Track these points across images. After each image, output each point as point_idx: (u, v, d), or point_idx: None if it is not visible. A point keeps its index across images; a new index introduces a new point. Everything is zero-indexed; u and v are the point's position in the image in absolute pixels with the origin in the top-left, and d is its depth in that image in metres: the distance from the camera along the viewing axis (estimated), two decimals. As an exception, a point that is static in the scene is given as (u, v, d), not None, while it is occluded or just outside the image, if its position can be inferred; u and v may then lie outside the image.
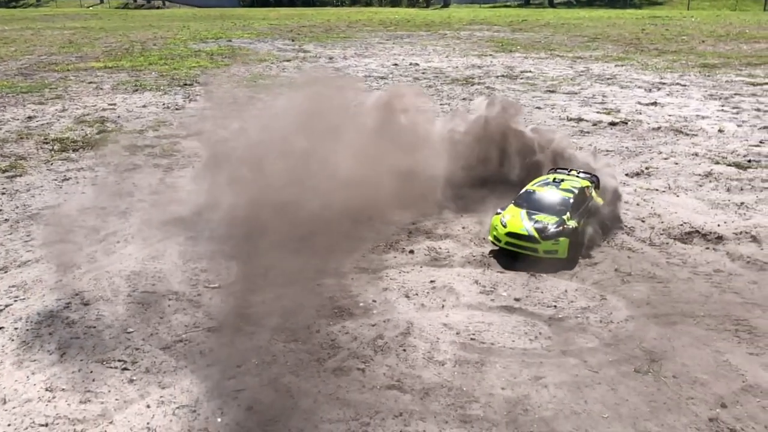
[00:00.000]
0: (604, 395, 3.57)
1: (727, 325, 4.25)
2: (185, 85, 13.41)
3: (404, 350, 4.04)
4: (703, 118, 10.23)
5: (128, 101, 11.72)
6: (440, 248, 5.53)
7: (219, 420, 3.44)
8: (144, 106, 11.30)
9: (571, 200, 5.30)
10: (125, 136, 9.25)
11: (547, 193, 5.43)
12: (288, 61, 17.12)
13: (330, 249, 5.49)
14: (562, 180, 5.61)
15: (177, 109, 11.17)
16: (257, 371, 3.84)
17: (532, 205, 5.34)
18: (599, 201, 5.68)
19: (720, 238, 5.62)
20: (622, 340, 4.09)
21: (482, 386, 3.68)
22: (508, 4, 46.90)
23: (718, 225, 5.89)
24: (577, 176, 5.79)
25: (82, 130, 9.64)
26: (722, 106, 11.05)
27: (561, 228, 5.07)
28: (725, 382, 3.66)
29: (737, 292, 4.67)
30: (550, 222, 5.11)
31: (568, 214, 5.19)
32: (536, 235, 5.05)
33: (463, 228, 5.97)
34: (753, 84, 13.10)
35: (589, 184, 5.66)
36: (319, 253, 5.42)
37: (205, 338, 4.20)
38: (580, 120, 10.19)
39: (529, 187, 5.62)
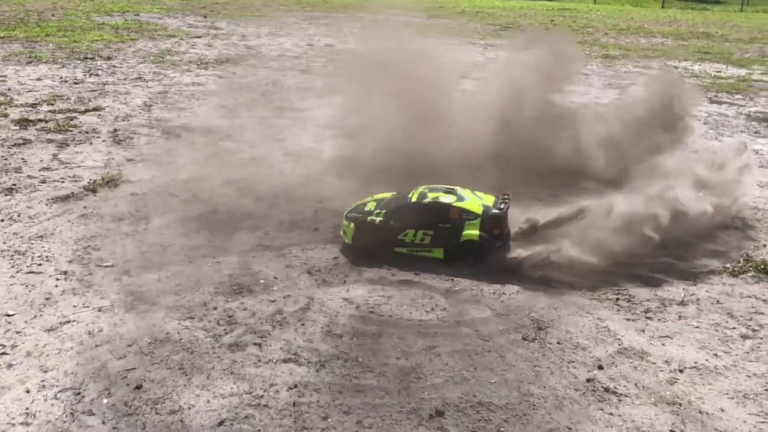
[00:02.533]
0: (492, 362, 3.72)
1: (609, 294, 4.53)
2: (86, 58, 12.72)
3: (303, 324, 4.05)
4: (601, 105, 10.73)
5: (21, 73, 10.99)
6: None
7: (105, 401, 3.32)
8: (38, 79, 10.63)
9: (395, 201, 5.10)
10: (15, 110, 8.69)
11: (398, 194, 5.24)
12: (198, 37, 16.56)
13: (232, 227, 5.41)
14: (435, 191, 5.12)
15: (76, 83, 10.59)
16: (149, 350, 3.74)
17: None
18: (471, 230, 4.87)
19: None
20: (512, 311, 4.28)
21: (378, 357, 3.74)
22: (426, -10, 47.21)
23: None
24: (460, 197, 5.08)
25: (-33, 102, 8.97)
26: (619, 94, 11.64)
27: (356, 215, 5.09)
28: (603, 346, 3.91)
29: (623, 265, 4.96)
30: (359, 210, 5.14)
31: (378, 209, 5.06)
32: (345, 214, 5.20)
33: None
34: (648, 74, 13.86)
35: (456, 206, 4.97)
36: (220, 230, 5.33)
37: (95, 318, 4.04)
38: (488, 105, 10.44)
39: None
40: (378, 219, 4.98)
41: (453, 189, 5.11)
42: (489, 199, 5.09)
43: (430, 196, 5.02)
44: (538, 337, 3.96)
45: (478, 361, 3.72)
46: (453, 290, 4.53)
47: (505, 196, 5.16)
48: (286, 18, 22.57)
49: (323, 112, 9.49)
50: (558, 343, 3.92)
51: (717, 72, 14.33)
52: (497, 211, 4.92)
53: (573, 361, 3.74)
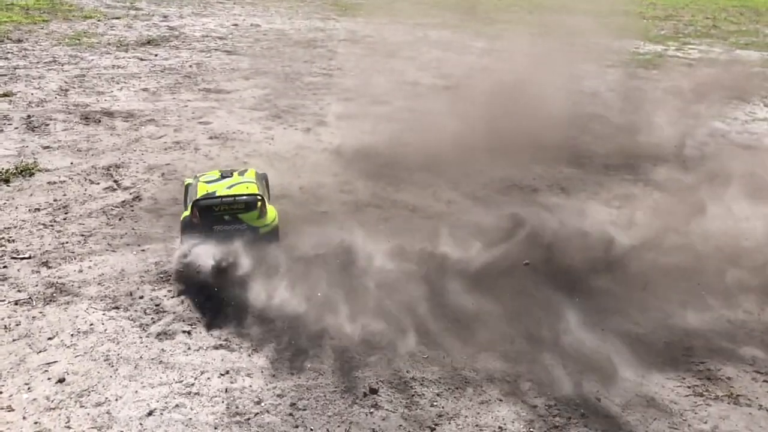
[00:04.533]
0: (424, 337, 3.80)
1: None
2: (-7, 41, 11.97)
3: (234, 310, 4.00)
4: (529, 83, 10.97)
5: None
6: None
7: (26, 396, 3.20)
8: (-60, 64, 9.96)
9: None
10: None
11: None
12: (117, 18, 15.85)
13: (157, 214, 5.26)
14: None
15: (-18, 67, 9.97)
16: (71, 342, 3.61)
17: None
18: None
19: (534, 191, 6.13)
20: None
21: (311, 339, 3.75)
22: (354, -31, 46.84)
23: (533, 179, 6.41)
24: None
25: None
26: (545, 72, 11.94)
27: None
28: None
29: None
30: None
31: None
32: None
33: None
34: (572, 53, 14.25)
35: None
36: (144, 218, 5.18)
37: (12, 312, 3.86)
38: (416, 84, 10.52)
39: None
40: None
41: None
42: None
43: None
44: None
45: (410, 336, 3.79)
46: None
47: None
48: (210, -3, 21.91)
49: (250, 94, 9.33)
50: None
51: (635, 48, 14.90)
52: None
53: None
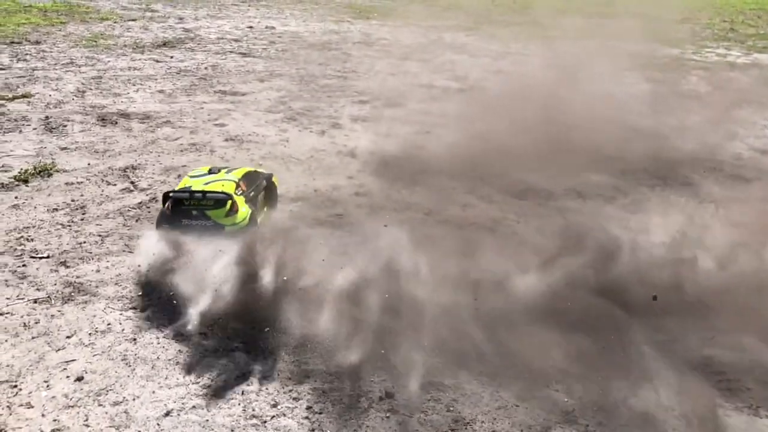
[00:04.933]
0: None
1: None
2: (12, 43, 12.09)
3: (249, 311, 4.01)
4: (543, 85, 10.93)
5: (-59, 59, 10.38)
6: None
7: (44, 393, 3.22)
8: (-39, 65, 10.08)
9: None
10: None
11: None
12: (133, 20, 15.98)
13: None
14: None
15: (2, 68, 10.07)
16: (89, 341, 3.63)
17: None
18: None
19: (550, 194, 6.09)
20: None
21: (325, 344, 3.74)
22: (368, -28, 46.92)
23: (548, 183, 6.37)
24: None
25: None
26: (558, 74, 11.88)
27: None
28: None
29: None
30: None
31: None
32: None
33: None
34: (586, 54, 14.18)
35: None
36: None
37: (31, 310, 3.89)
38: (431, 87, 10.51)
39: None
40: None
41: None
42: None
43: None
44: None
45: (426, 339, 3.77)
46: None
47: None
48: (225, 0, 22.02)
49: (265, 96, 9.36)
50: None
51: (652, 51, 14.79)
52: None
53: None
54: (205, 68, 10.94)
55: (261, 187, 4.95)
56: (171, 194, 4.38)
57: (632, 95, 10.13)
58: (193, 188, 4.39)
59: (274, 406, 3.24)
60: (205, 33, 14.62)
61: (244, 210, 4.43)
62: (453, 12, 21.74)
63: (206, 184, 4.46)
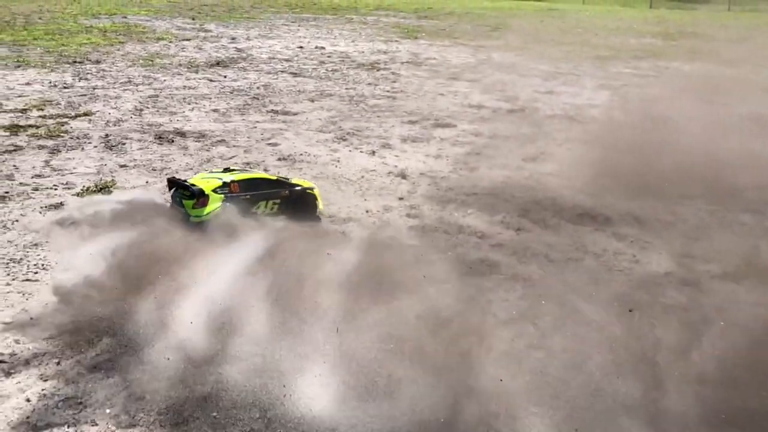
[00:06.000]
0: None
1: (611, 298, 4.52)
2: (75, 62, 12.59)
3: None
4: (594, 106, 10.79)
5: (8, 78, 10.85)
6: (343, 231, 5.53)
7: (108, 411, 3.27)
8: (27, 84, 10.51)
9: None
10: (5, 116, 8.57)
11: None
12: (188, 40, 16.47)
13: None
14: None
15: (65, 87, 10.48)
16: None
17: None
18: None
19: (607, 220, 5.95)
20: (516, 317, 4.25)
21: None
22: (415, -9, 47.31)
23: (606, 207, 6.23)
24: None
25: (-45, 108, 8.85)
26: (612, 95, 11.71)
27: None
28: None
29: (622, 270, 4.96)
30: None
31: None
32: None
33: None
34: (639, 75, 13.96)
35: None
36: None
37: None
38: (481, 107, 10.48)
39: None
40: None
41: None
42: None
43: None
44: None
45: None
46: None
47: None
48: (276, 20, 22.49)
49: (316, 116, 9.48)
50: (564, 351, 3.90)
51: (707, 72, 14.45)
52: None
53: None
54: (258, 88, 11.16)
55: (272, 195, 5.15)
56: (168, 179, 5.07)
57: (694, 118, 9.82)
58: (191, 180, 4.92)
59: None
60: (256, 53, 14.95)
61: (213, 206, 4.79)
62: (501, 31, 21.73)
63: (202, 178, 4.96)
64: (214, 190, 4.86)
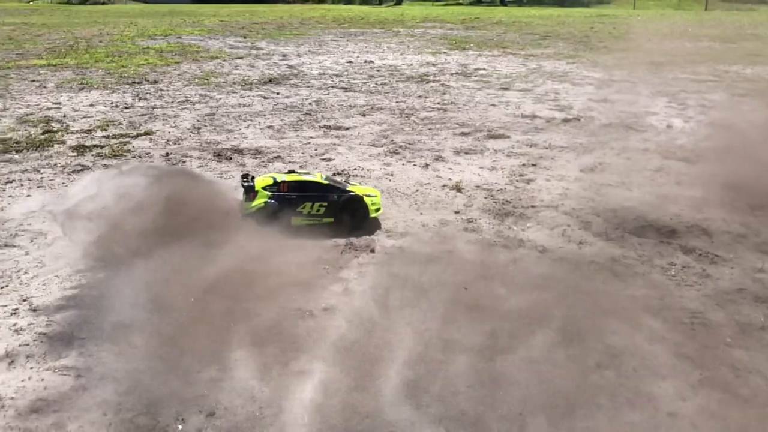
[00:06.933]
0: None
1: (683, 315, 4.36)
2: (134, 83, 13.05)
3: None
4: (651, 114, 10.52)
5: (74, 100, 11.32)
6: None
7: (180, 427, 3.33)
8: (91, 105, 10.93)
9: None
10: (72, 136, 8.93)
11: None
12: (240, 58, 16.86)
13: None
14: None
15: (126, 107, 10.85)
16: (218, 377, 3.74)
17: None
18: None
19: (673, 232, 5.76)
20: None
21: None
22: (460, 2, 47.34)
23: (671, 219, 6.04)
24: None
25: (26, 130, 9.26)
26: (669, 102, 11.39)
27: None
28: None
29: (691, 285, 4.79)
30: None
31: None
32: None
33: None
34: (697, 81, 13.54)
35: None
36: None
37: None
38: (534, 117, 10.34)
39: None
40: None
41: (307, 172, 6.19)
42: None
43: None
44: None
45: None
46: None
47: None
48: (324, 36, 22.83)
49: (368, 130, 9.53)
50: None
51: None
52: None
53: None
54: (310, 104, 11.31)
55: (319, 198, 5.69)
56: (241, 174, 5.99)
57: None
58: (252, 177, 5.77)
59: None
60: (307, 69, 15.18)
61: (259, 201, 5.51)
62: (550, 39, 21.47)
63: (264, 177, 5.75)
64: (264, 188, 5.58)
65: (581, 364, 3.79)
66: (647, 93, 12.24)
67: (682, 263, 5.15)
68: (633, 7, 37.21)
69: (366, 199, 5.84)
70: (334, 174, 7.44)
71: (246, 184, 5.61)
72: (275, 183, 5.62)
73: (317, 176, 5.94)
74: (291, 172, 5.97)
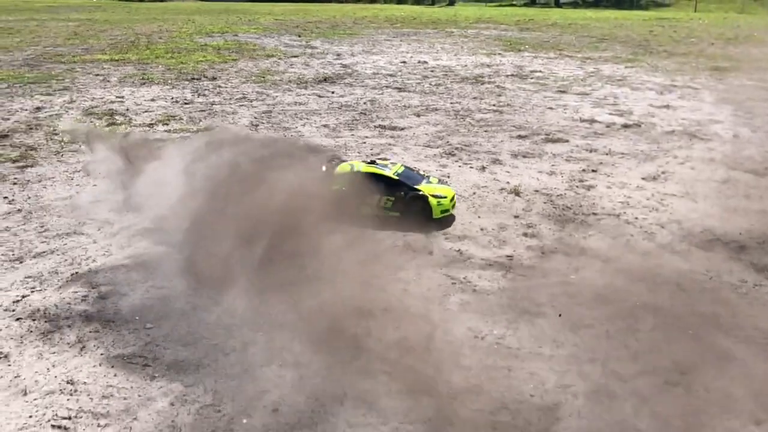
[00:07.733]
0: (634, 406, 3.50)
1: (757, 335, 4.18)
2: (193, 79, 13.32)
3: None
4: (716, 122, 10.16)
5: (136, 94, 11.63)
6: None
7: (245, 421, 3.38)
8: (152, 100, 11.21)
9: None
10: (135, 130, 9.17)
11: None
12: (295, 56, 17.03)
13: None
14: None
15: (186, 103, 11.08)
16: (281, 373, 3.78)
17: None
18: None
19: (742, 248, 5.54)
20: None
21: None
22: (514, 3, 46.78)
23: (740, 233, 5.81)
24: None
25: (91, 122, 9.56)
26: (735, 110, 10.98)
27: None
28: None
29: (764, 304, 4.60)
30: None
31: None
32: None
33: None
34: (766, 89, 13.01)
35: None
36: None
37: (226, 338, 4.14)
38: (593, 121, 10.12)
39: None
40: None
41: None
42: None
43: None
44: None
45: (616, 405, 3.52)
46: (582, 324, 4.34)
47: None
48: (377, 35, 22.86)
49: (423, 131, 9.48)
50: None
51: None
52: None
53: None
54: (364, 103, 11.33)
55: (386, 192, 5.98)
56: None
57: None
58: (340, 161, 6.60)
59: None
60: (361, 68, 15.21)
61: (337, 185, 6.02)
62: (608, 42, 20.98)
63: (349, 162, 6.46)
64: (342, 174, 6.10)
65: (648, 381, 3.69)
66: (711, 100, 11.83)
67: (753, 281, 4.95)
68: (694, 9, 36.08)
69: (431, 199, 5.93)
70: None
71: (329, 164, 6.27)
72: (351, 171, 6.11)
73: (394, 168, 6.25)
74: (372, 162, 6.31)
